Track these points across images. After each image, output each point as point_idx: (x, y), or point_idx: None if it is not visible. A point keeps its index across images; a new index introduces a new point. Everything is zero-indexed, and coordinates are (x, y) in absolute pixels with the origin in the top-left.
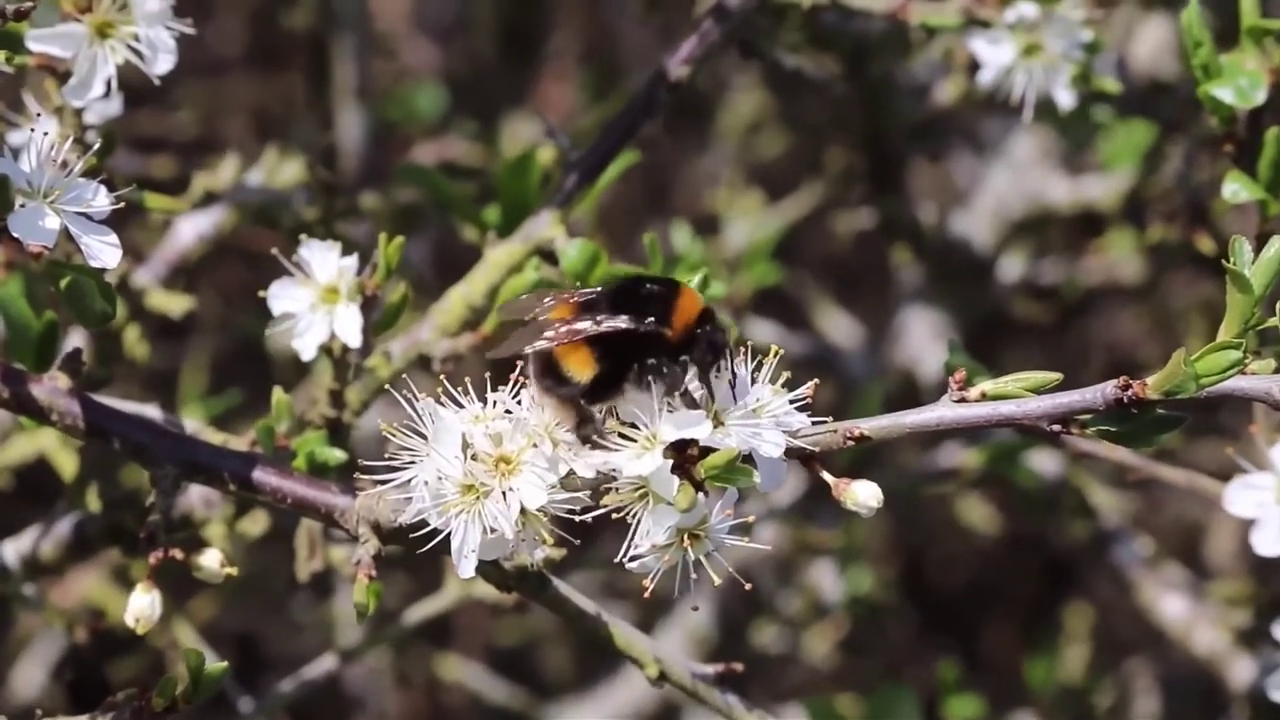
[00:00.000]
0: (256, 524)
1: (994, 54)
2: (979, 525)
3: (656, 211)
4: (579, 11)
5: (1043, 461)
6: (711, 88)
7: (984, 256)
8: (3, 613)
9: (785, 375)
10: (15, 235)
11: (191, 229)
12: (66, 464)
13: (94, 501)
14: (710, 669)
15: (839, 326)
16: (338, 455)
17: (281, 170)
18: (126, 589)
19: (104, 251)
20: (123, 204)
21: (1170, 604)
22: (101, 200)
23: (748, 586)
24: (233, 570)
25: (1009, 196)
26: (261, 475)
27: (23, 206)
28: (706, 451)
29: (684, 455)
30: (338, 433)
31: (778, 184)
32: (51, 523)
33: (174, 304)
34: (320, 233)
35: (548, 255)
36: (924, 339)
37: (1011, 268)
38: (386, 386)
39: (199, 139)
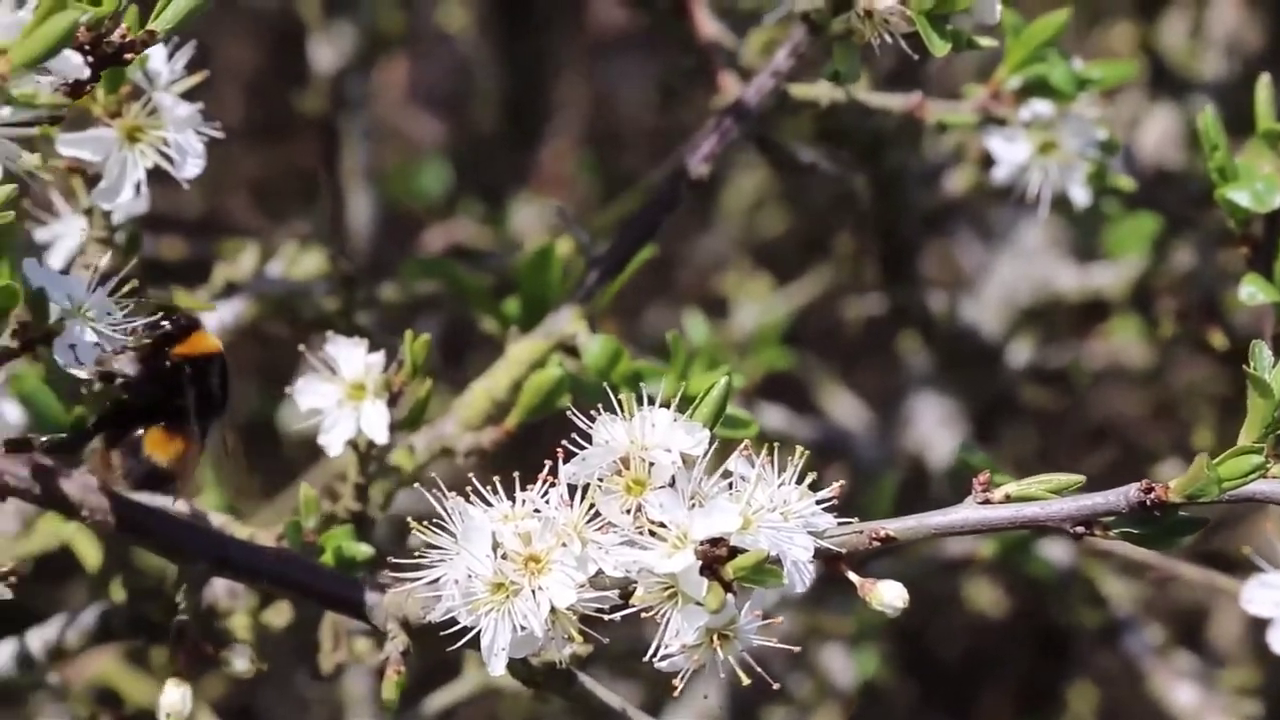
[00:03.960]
0: (281, 615)
1: (1009, 151)
2: (987, 609)
3: (660, 291)
4: (579, 83)
5: (1054, 550)
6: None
7: (992, 343)
8: (21, 701)
9: (811, 476)
10: (58, 358)
11: (213, 319)
12: (89, 554)
13: (118, 592)
14: None
15: (846, 411)
16: (365, 550)
17: (301, 261)
18: (139, 670)
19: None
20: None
21: (1181, 692)
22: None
23: (746, 682)
24: (262, 666)
25: (1017, 284)
26: (293, 572)
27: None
28: (735, 551)
29: (713, 555)
30: (363, 526)
31: (780, 263)
32: (76, 613)
33: None
34: (341, 324)
35: (570, 350)
36: (932, 424)
37: (1019, 353)
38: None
39: (204, 215)
